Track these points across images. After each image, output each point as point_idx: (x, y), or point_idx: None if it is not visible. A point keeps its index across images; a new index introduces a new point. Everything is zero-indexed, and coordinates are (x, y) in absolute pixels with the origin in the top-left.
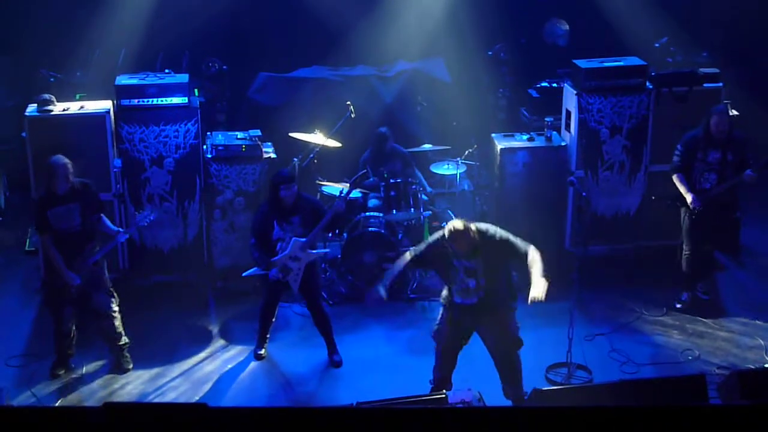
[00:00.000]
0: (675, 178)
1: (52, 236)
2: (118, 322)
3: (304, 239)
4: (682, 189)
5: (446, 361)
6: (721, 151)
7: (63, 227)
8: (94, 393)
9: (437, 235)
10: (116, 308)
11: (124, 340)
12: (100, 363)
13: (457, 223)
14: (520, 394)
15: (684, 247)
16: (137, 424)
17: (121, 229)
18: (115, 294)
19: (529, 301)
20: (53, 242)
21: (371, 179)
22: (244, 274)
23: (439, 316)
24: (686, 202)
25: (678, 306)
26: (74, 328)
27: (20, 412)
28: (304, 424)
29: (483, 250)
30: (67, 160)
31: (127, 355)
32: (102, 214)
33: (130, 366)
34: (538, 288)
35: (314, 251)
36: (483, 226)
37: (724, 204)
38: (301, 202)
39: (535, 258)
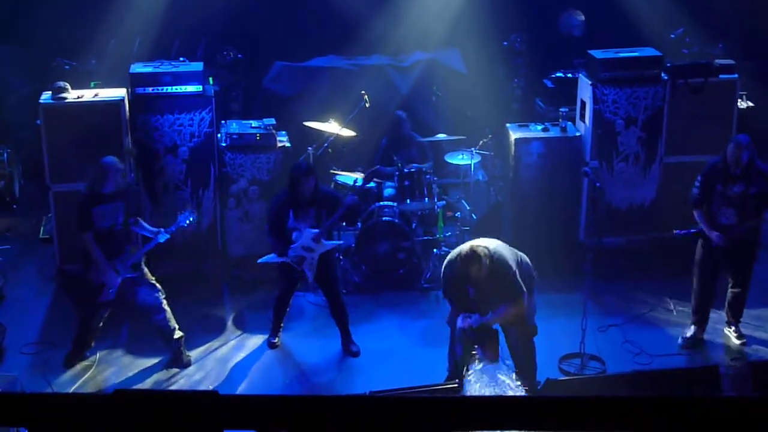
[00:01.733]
0: (695, 214)
1: (93, 234)
2: (169, 315)
3: (317, 230)
4: (704, 227)
5: (460, 348)
6: (744, 183)
7: (106, 225)
8: (108, 381)
9: (450, 266)
10: (164, 300)
11: (179, 333)
12: (113, 351)
13: (472, 249)
14: (533, 383)
15: (694, 281)
16: (148, 412)
17: (161, 229)
18: (159, 287)
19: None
20: (94, 240)
21: (390, 168)
22: (259, 261)
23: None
24: (705, 235)
25: (681, 343)
26: (102, 324)
27: (31, 398)
28: (316, 412)
29: (489, 282)
30: (117, 161)
31: (185, 349)
32: (139, 218)
33: (190, 359)
34: (473, 320)
35: (328, 242)
36: (497, 256)
37: (744, 241)
38: (318, 195)
39: (507, 308)
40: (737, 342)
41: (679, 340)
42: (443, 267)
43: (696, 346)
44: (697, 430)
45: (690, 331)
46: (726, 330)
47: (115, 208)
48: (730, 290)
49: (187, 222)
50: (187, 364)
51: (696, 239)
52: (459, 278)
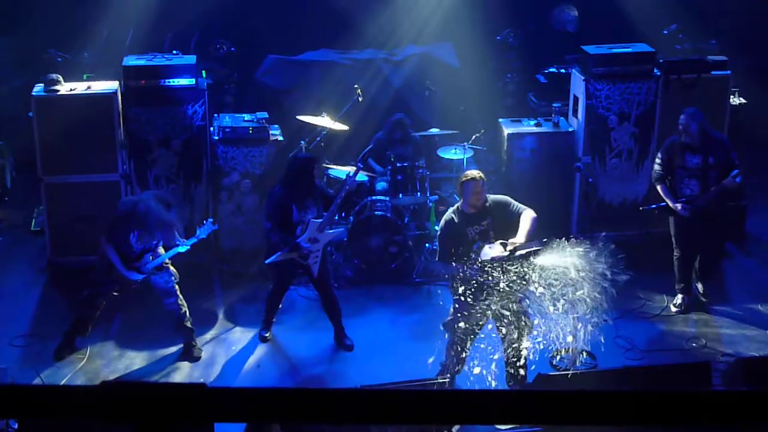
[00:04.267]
0: (659, 188)
1: (115, 247)
2: (181, 301)
3: (320, 220)
4: (667, 200)
5: (458, 351)
6: (701, 155)
7: (139, 249)
8: (99, 373)
9: (447, 215)
10: (177, 286)
11: (190, 321)
12: (104, 344)
13: (474, 172)
14: (524, 383)
15: (674, 251)
16: (134, 403)
17: (182, 241)
18: (173, 271)
19: (508, 246)
20: (114, 250)
21: (380, 169)
22: (267, 261)
23: (452, 309)
24: (672, 210)
25: (674, 309)
26: (103, 304)
27: (20, 390)
28: (306, 405)
29: (492, 212)
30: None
31: (197, 341)
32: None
33: (201, 354)
34: (519, 238)
35: (331, 231)
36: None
37: (711, 210)
38: (314, 187)
39: (528, 216)
40: (703, 300)
41: (671, 308)
42: (441, 227)
43: (686, 310)
44: (687, 424)
45: (678, 299)
46: (697, 285)
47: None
48: (698, 261)
49: (208, 233)
50: (198, 358)
51: (664, 214)
52: (459, 223)
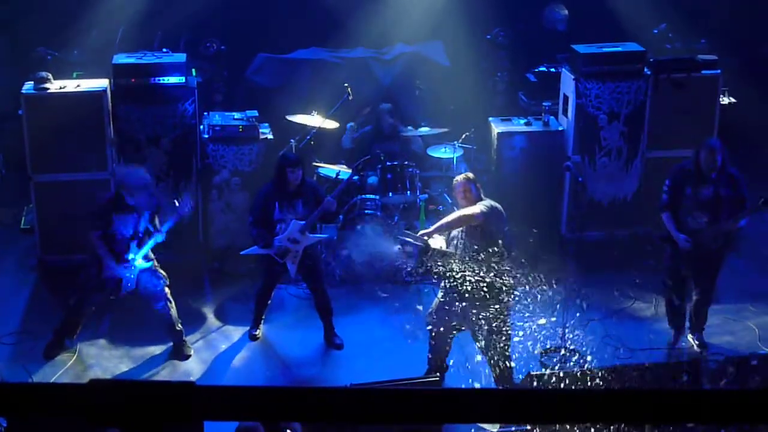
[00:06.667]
0: (663, 217)
1: (102, 234)
2: (171, 304)
3: (303, 222)
4: (671, 230)
5: (440, 344)
6: (713, 186)
7: (125, 233)
8: (88, 372)
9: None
10: (167, 289)
11: (180, 323)
12: (94, 342)
13: (460, 176)
14: (512, 382)
15: (666, 291)
16: (123, 402)
17: (162, 222)
18: (164, 275)
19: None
20: (102, 240)
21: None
22: (242, 253)
23: (435, 301)
24: (672, 240)
25: (670, 344)
26: (92, 310)
27: (9, 388)
28: (294, 403)
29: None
30: (149, 178)
31: (186, 340)
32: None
33: (191, 352)
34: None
35: (313, 235)
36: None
37: (711, 246)
38: (304, 187)
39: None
40: (698, 350)
41: (675, 346)
42: None
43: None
44: (674, 423)
45: (672, 337)
46: (689, 337)
47: (134, 218)
48: (694, 297)
49: (188, 209)
50: (187, 356)
51: (663, 244)
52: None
